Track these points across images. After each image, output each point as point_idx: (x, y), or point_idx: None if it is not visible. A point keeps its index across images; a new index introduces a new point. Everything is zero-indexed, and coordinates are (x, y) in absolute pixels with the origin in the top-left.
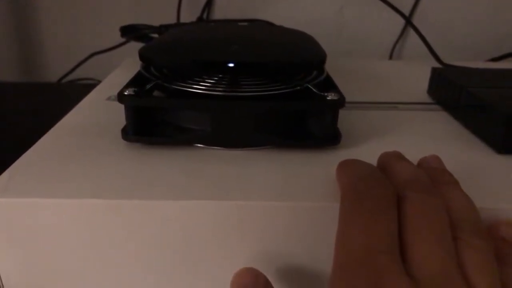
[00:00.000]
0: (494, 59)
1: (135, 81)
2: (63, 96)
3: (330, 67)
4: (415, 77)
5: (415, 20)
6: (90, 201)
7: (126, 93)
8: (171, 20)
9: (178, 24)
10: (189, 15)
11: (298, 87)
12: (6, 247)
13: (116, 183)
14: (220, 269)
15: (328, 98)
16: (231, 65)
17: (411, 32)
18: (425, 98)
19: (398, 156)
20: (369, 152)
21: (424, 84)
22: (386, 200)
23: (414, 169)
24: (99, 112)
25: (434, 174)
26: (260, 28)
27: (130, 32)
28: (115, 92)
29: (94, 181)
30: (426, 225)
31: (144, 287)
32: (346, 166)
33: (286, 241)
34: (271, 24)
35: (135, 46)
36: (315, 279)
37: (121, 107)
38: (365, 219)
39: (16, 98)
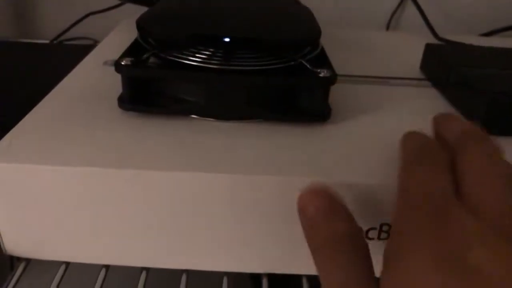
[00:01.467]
0: (492, 32)
1: (132, 50)
2: (58, 57)
3: (326, 36)
4: (409, 51)
5: None
6: (85, 169)
7: (123, 63)
8: None
9: None
10: None
11: (292, 62)
12: (6, 211)
13: (111, 152)
14: (208, 239)
15: (320, 75)
16: (226, 39)
17: (410, 2)
18: (418, 73)
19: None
20: (357, 128)
21: (418, 59)
22: (443, 160)
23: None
24: (95, 77)
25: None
26: None
27: None
28: (111, 56)
29: (90, 149)
30: (490, 173)
31: (135, 253)
32: (407, 137)
33: (273, 214)
34: None
35: (133, 7)
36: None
37: (117, 74)
38: (425, 172)
39: (9, 58)
